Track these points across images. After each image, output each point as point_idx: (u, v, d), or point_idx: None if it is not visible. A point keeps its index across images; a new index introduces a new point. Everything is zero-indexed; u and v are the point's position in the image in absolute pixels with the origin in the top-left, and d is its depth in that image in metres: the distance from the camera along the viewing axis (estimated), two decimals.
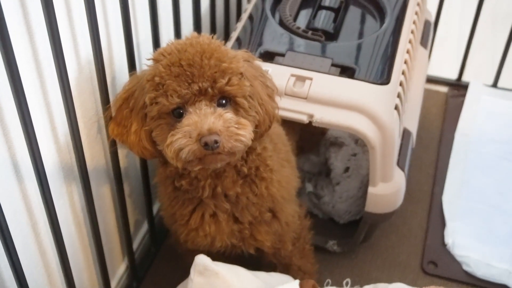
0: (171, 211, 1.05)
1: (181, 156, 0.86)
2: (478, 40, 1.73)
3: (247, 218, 1.03)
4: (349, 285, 1.21)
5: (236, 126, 0.87)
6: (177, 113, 0.87)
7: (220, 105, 0.88)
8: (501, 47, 1.66)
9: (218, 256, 1.10)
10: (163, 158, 0.95)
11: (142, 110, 0.90)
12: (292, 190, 1.11)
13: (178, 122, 0.87)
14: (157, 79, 0.86)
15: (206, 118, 0.85)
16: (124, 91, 0.92)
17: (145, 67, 1.12)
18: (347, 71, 1.18)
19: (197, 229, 1.03)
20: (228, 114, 0.87)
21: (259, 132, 0.95)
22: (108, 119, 0.96)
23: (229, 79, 0.87)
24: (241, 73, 0.90)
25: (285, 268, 1.19)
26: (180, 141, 0.85)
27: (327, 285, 1.22)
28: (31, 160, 0.84)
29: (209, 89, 0.86)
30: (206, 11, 1.39)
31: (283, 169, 1.07)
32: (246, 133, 0.88)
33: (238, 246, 1.07)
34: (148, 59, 0.91)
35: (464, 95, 1.71)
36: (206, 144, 0.84)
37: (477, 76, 1.78)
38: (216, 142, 0.84)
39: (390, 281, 1.16)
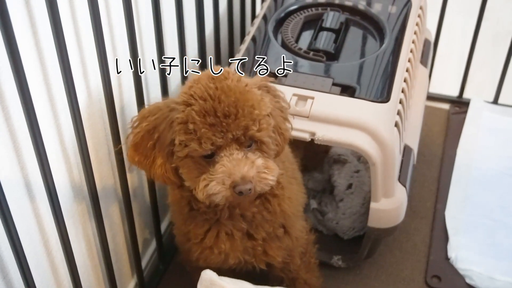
0: (185, 230, 1.08)
1: (214, 199, 0.91)
2: (479, 57, 1.76)
3: (261, 235, 1.07)
4: None
5: (265, 171, 0.92)
6: (207, 155, 0.91)
7: (247, 146, 0.92)
8: (502, 64, 1.69)
9: (227, 271, 1.13)
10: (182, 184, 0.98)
11: (169, 147, 0.93)
12: (300, 206, 1.15)
13: (208, 163, 0.91)
14: (191, 126, 0.88)
15: (239, 165, 0.89)
16: (147, 122, 0.94)
17: (152, 93, 1.17)
18: (347, 90, 1.22)
19: (212, 247, 1.06)
20: (259, 160, 0.92)
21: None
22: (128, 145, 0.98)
23: (259, 124, 0.91)
24: (268, 114, 0.93)
25: (292, 281, 1.22)
26: (214, 188, 0.90)
27: None
28: (43, 181, 0.87)
29: (242, 136, 0.90)
30: (210, 34, 1.43)
31: (291, 186, 1.11)
32: (274, 177, 0.93)
33: (249, 262, 1.10)
34: (177, 102, 0.92)
35: (465, 112, 1.74)
36: (240, 192, 0.89)
37: (479, 93, 1.81)
38: (249, 189, 0.89)
39: None
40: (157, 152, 0.94)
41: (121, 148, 1.04)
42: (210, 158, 0.91)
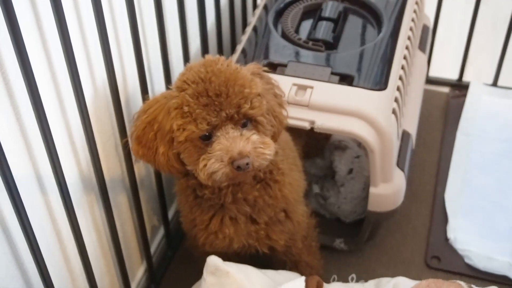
0: (191, 217, 1.13)
1: (215, 178, 0.95)
2: (478, 41, 1.78)
3: (263, 219, 1.11)
4: (354, 281, 1.28)
5: (261, 146, 0.96)
6: (205, 137, 0.95)
7: (243, 125, 0.96)
8: (500, 47, 1.71)
9: (232, 255, 1.17)
10: (187, 172, 1.03)
11: (169, 134, 0.97)
12: (301, 191, 1.19)
13: (206, 145, 0.95)
14: (185, 108, 0.93)
15: (235, 142, 0.93)
16: (147, 115, 0.98)
17: (157, 84, 1.21)
18: (346, 79, 1.25)
19: (217, 232, 1.11)
20: (254, 136, 0.95)
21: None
22: (132, 139, 1.02)
23: (251, 103, 0.95)
24: (259, 94, 0.97)
25: (294, 264, 1.27)
26: (213, 166, 0.94)
27: (333, 280, 1.29)
28: (53, 174, 0.92)
29: (235, 115, 0.94)
30: (212, 24, 1.46)
31: (292, 172, 1.14)
32: (271, 152, 0.97)
33: (253, 246, 1.15)
34: (170, 87, 0.98)
35: (465, 95, 1.77)
36: (238, 167, 0.93)
37: (478, 76, 1.83)
38: (247, 164, 0.93)
39: (395, 276, 1.22)
40: (159, 142, 0.98)
41: (127, 141, 1.08)
42: (208, 140, 0.95)
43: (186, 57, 1.31)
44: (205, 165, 0.94)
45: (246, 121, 0.96)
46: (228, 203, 1.07)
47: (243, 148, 0.93)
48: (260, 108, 0.96)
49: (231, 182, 1.01)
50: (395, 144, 1.25)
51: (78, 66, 0.91)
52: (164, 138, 0.97)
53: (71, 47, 0.88)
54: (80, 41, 0.97)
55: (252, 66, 1.03)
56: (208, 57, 0.99)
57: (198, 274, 1.12)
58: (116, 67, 1.04)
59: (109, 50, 0.99)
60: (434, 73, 1.82)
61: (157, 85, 1.25)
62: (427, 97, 1.70)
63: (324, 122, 1.18)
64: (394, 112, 1.24)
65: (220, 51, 1.51)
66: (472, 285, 1.08)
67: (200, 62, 0.98)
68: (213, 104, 0.93)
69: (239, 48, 1.36)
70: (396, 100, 1.26)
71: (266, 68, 1.06)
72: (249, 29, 1.41)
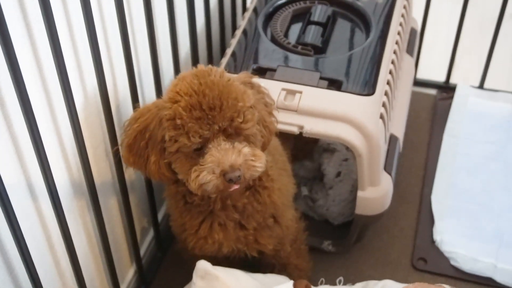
0: (181, 221, 1.14)
1: (205, 188, 0.96)
2: (465, 43, 1.80)
3: (252, 225, 1.12)
4: (341, 283, 1.30)
5: (253, 158, 0.97)
6: (197, 148, 0.96)
7: (235, 137, 0.97)
8: (487, 49, 1.73)
9: (222, 259, 1.19)
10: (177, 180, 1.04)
11: (161, 144, 0.97)
12: (290, 196, 1.20)
13: (198, 155, 0.96)
14: (178, 121, 0.93)
15: (227, 155, 0.94)
16: (138, 123, 0.99)
17: (147, 88, 1.21)
18: (334, 84, 1.26)
19: (206, 237, 1.12)
20: (246, 149, 0.96)
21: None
22: (123, 147, 1.03)
23: (244, 116, 0.96)
24: (251, 106, 0.98)
25: (283, 267, 1.28)
26: (205, 178, 0.95)
27: (321, 283, 1.30)
28: (44, 181, 0.92)
29: (228, 128, 0.95)
30: (202, 27, 1.47)
31: (281, 177, 1.16)
32: (262, 164, 0.98)
33: (242, 250, 1.16)
34: (165, 101, 0.97)
35: (452, 97, 1.78)
36: (230, 180, 0.94)
37: (465, 78, 1.85)
38: (238, 176, 0.94)
39: (382, 278, 1.24)
40: (150, 150, 0.99)
41: (118, 149, 1.09)
42: (199, 151, 0.96)
43: (176, 60, 1.31)
44: (197, 176, 0.95)
45: (238, 133, 0.97)
46: (217, 209, 1.08)
47: (235, 161, 0.94)
48: (252, 121, 0.97)
49: (221, 194, 1.02)
50: (383, 148, 1.26)
51: (68, 73, 0.91)
52: (156, 147, 0.98)
53: (62, 55, 0.89)
54: (70, 48, 0.98)
55: (243, 76, 1.03)
56: (201, 66, 0.99)
57: (188, 276, 1.13)
58: (106, 71, 1.04)
59: (99, 56, 1.00)
60: (422, 75, 1.84)
61: (147, 88, 1.26)
62: (415, 99, 1.72)
63: (313, 127, 1.20)
64: (381, 117, 1.25)
65: (210, 54, 1.52)
66: None
67: (193, 72, 0.98)
68: (206, 117, 0.93)
69: (228, 51, 1.37)
70: (384, 105, 1.27)
71: (256, 77, 1.06)
72: (238, 33, 1.42)
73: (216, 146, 0.95)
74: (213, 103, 0.93)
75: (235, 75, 1.02)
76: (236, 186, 0.96)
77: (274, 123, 1.06)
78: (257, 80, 1.06)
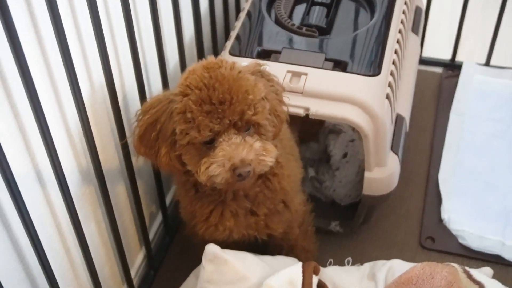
0: (190, 209, 1.14)
1: (214, 180, 0.96)
2: (470, 20, 1.79)
3: (263, 211, 1.12)
4: (350, 264, 1.31)
5: (264, 153, 0.97)
6: (207, 141, 0.96)
7: (245, 130, 0.97)
8: (493, 26, 1.72)
9: (231, 243, 1.19)
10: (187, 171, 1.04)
11: (171, 137, 0.98)
12: (298, 181, 1.21)
13: (209, 148, 0.96)
14: (189, 115, 0.93)
15: (237, 149, 0.94)
16: (149, 115, 0.99)
17: (152, 74, 1.21)
18: (340, 65, 1.26)
19: (217, 224, 1.12)
20: (257, 143, 0.96)
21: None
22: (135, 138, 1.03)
23: (255, 108, 0.95)
24: (262, 98, 0.98)
25: (291, 248, 1.29)
26: (214, 170, 0.95)
27: (329, 264, 1.31)
28: (52, 169, 0.93)
29: (238, 121, 0.95)
30: (205, 11, 1.46)
31: (290, 163, 1.16)
32: (272, 158, 0.98)
33: (252, 235, 1.17)
34: (175, 94, 0.97)
35: (458, 75, 1.78)
36: (239, 175, 0.94)
37: (471, 56, 1.84)
38: (248, 171, 0.94)
39: (390, 258, 1.24)
40: (161, 142, 0.99)
41: (126, 142, 1.11)
42: (210, 144, 0.96)
43: (181, 45, 1.31)
44: (206, 168, 0.96)
45: (249, 126, 0.97)
46: (228, 200, 1.09)
47: (246, 156, 0.94)
48: (263, 113, 0.97)
49: (228, 187, 1.02)
50: (389, 128, 1.26)
51: (74, 62, 0.91)
52: (166, 140, 0.98)
53: (66, 41, 0.89)
54: (75, 37, 0.98)
55: (252, 65, 1.03)
56: (211, 58, 0.99)
57: (196, 259, 1.14)
58: (111, 58, 1.04)
59: (104, 43, 1.00)
60: (427, 53, 1.83)
61: (151, 73, 1.26)
62: (420, 77, 1.71)
63: (319, 108, 1.20)
64: (387, 97, 1.25)
65: (214, 37, 1.51)
66: (466, 267, 1.10)
67: (203, 64, 0.97)
68: (216, 111, 0.93)
69: (233, 34, 1.36)
70: (389, 85, 1.27)
71: (265, 65, 1.05)
72: (242, 15, 1.41)
73: (227, 140, 0.95)
74: (223, 97, 0.93)
75: (245, 65, 1.02)
76: (244, 181, 0.97)
77: (285, 112, 1.06)
78: (266, 67, 1.06)
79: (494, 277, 1.14)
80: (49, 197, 0.97)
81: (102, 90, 1.07)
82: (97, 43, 0.99)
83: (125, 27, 1.07)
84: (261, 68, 1.04)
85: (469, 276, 1.09)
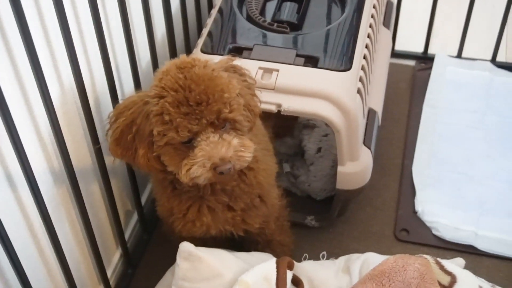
0: (168, 206, 1.14)
1: (197, 181, 0.98)
2: (442, 12, 1.81)
3: (240, 206, 1.13)
4: (325, 258, 1.32)
5: (242, 149, 0.98)
6: (186, 141, 0.96)
7: (222, 127, 0.98)
8: (464, 18, 1.74)
9: (208, 239, 1.20)
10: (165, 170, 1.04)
11: (148, 138, 0.98)
12: (273, 175, 1.21)
13: (188, 148, 0.97)
14: (166, 117, 0.94)
15: (216, 148, 0.95)
16: (124, 117, 0.99)
17: (123, 72, 1.21)
18: (311, 61, 1.27)
19: (194, 221, 1.13)
20: (235, 140, 0.97)
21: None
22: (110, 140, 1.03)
23: (230, 106, 0.96)
24: (237, 95, 0.98)
25: (267, 243, 1.30)
26: (196, 171, 0.96)
27: (304, 259, 1.32)
28: (22, 170, 0.92)
29: (215, 120, 0.95)
30: (177, 8, 1.46)
31: (265, 158, 1.17)
32: (251, 153, 1.00)
33: (229, 230, 1.17)
34: (151, 96, 0.97)
35: (431, 68, 1.79)
36: (221, 172, 0.95)
37: (443, 48, 1.86)
38: (229, 169, 0.96)
39: (366, 250, 1.26)
40: (138, 144, 0.99)
41: (99, 148, 1.12)
42: (188, 143, 0.97)
43: (152, 44, 1.31)
44: (188, 170, 0.97)
45: (225, 123, 0.98)
46: (207, 195, 1.09)
47: (225, 154, 0.95)
48: (239, 110, 0.98)
49: (211, 182, 1.03)
50: (361, 123, 1.27)
51: (42, 63, 0.91)
52: (144, 141, 0.99)
53: (33, 43, 0.88)
54: (42, 38, 0.97)
55: (224, 61, 1.03)
56: (183, 57, 0.99)
57: (174, 256, 1.13)
58: (80, 57, 1.03)
59: (71, 43, 0.99)
60: (400, 46, 1.84)
61: (123, 71, 1.25)
62: (393, 70, 1.73)
63: (290, 105, 1.20)
64: (359, 91, 1.26)
65: (186, 34, 1.51)
66: (438, 259, 1.12)
67: (176, 63, 0.97)
68: (194, 112, 0.94)
69: (205, 31, 1.36)
70: (361, 79, 1.28)
71: (236, 58, 1.06)
72: (214, 12, 1.41)
73: (205, 139, 0.96)
74: (200, 98, 0.94)
75: (217, 60, 1.02)
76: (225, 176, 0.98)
77: (258, 105, 1.07)
78: (237, 61, 1.06)
79: (467, 267, 1.16)
80: (21, 199, 0.97)
81: (72, 91, 1.06)
82: (64, 43, 0.99)
83: (93, 26, 1.07)
84: (233, 63, 1.04)
85: (441, 267, 1.10)
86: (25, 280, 0.96)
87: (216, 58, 1.07)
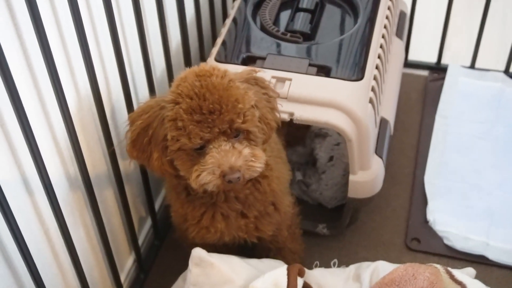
0: (182, 212, 1.16)
1: (206, 188, 1.00)
2: (455, 23, 1.81)
3: (253, 213, 1.15)
4: (336, 265, 1.33)
5: (252, 159, 0.99)
6: (198, 148, 0.98)
7: (235, 136, 0.99)
8: (477, 29, 1.74)
9: (221, 246, 1.21)
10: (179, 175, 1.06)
11: (163, 142, 1.00)
12: (286, 183, 1.23)
13: (199, 154, 0.99)
14: (179, 123, 0.96)
15: (227, 156, 0.97)
16: (141, 120, 1.01)
17: (138, 80, 1.23)
18: (323, 70, 1.28)
19: (208, 227, 1.14)
20: (246, 150, 0.99)
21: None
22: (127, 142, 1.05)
23: (244, 116, 0.98)
24: (252, 106, 1.00)
25: (279, 251, 1.31)
26: (205, 178, 0.98)
27: (315, 266, 1.33)
28: (38, 175, 0.95)
29: (228, 129, 0.97)
30: (192, 17, 1.48)
31: (278, 165, 1.19)
32: (261, 164, 1.01)
33: (242, 237, 1.19)
34: (167, 101, 0.99)
35: (443, 78, 1.80)
36: (229, 181, 0.97)
37: (456, 59, 1.86)
38: (238, 177, 0.97)
39: (376, 259, 1.26)
40: (153, 147, 1.02)
41: (114, 150, 1.14)
42: (201, 150, 0.99)
43: (167, 52, 1.33)
44: (197, 176, 0.98)
45: (238, 133, 0.99)
46: (220, 202, 1.11)
47: (235, 163, 0.97)
48: (253, 121, 1.00)
49: (220, 190, 1.05)
50: (373, 132, 1.28)
51: (58, 68, 0.93)
52: (158, 145, 1.01)
53: (50, 50, 0.91)
54: (59, 45, 1.00)
55: (246, 72, 1.05)
56: (203, 65, 1.01)
57: (186, 262, 1.15)
58: (96, 63, 1.05)
59: (88, 49, 1.01)
60: (413, 56, 1.85)
61: (138, 79, 1.27)
62: (406, 80, 1.74)
63: (303, 113, 1.22)
64: (371, 101, 1.27)
65: (201, 43, 1.53)
66: (448, 268, 1.12)
67: (195, 71, 0.99)
68: (206, 121, 0.95)
69: (219, 41, 1.38)
70: (373, 89, 1.29)
71: (260, 71, 1.08)
72: (228, 22, 1.43)
73: (217, 147, 0.97)
74: (213, 107, 0.95)
75: (236, 73, 1.04)
76: (234, 184, 0.99)
77: (275, 120, 1.07)
78: (260, 73, 1.08)
79: (478, 277, 1.16)
80: (37, 204, 0.99)
81: (88, 98, 1.09)
82: (81, 51, 1.01)
83: (109, 34, 1.09)
84: (255, 74, 1.06)
85: (451, 277, 1.11)
86: (40, 283, 0.98)
87: (229, 67, 1.09)
